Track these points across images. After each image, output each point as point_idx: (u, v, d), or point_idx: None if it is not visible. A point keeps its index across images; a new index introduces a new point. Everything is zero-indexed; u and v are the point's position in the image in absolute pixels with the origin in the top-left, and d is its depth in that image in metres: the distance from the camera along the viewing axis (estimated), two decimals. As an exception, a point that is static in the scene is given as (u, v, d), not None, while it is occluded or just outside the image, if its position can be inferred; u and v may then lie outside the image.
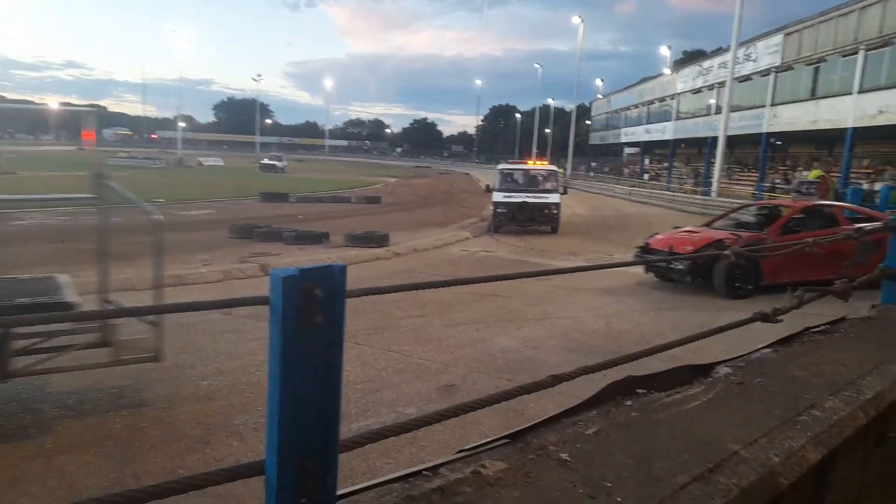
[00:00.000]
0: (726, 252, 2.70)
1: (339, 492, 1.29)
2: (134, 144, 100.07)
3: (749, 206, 11.48)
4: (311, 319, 1.14)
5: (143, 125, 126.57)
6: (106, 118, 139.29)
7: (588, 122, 69.98)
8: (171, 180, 36.83)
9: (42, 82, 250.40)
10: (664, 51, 53.34)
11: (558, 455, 1.64)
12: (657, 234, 9.99)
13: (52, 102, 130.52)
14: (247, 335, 5.98)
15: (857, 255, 8.35)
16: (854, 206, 10.69)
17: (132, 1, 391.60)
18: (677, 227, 10.15)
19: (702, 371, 2.38)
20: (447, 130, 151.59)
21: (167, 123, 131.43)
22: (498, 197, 16.92)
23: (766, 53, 31.68)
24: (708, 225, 10.11)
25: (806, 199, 10.51)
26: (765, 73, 31.84)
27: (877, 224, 9.51)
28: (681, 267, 8.53)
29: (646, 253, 9.37)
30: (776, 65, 30.77)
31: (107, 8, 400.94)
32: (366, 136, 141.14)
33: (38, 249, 11.77)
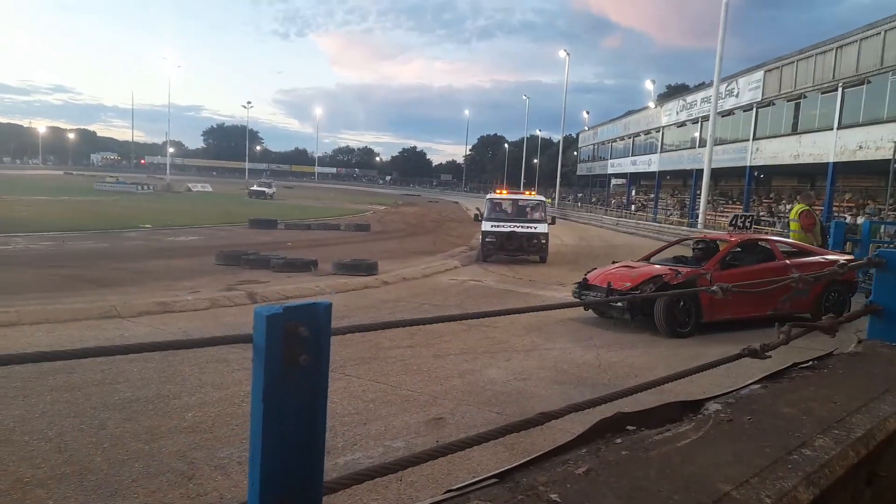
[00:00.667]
0: (714, 288, 2.70)
1: (324, 534, 1.26)
2: (122, 169, 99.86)
3: (686, 239, 11.14)
4: (295, 358, 1.12)
5: (131, 150, 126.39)
6: (94, 143, 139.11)
7: (575, 152, 70.85)
8: (158, 206, 36.67)
9: (30, 106, 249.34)
10: (648, 84, 54.43)
11: (548, 496, 1.60)
12: (595, 268, 9.71)
13: (41, 126, 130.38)
14: (232, 365, 5.89)
15: (795, 290, 8.29)
16: (788, 240, 10.56)
17: (122, 26, 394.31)
18: (615, 262, 9.76)
19: (691, 407, 2.36)
20: (436, 159, 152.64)
21: (156, 149, 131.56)
22: (487, 226, 16.99)
23: (748, 89, 32.41)
24: (647, 259, 9.80)
25: (742, 232, 10.36)
26: (747, 108, 32.54)
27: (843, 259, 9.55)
28: (619, 304, 8.23)
29: (584, 289, 9.02)
30: (758, 100, 31.48)
31: (96, 33, 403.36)
32: (355, 163, 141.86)
33: (21, 275, 11.60)
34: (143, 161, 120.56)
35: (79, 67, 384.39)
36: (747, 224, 10.76)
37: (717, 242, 9.58)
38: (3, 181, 48.95)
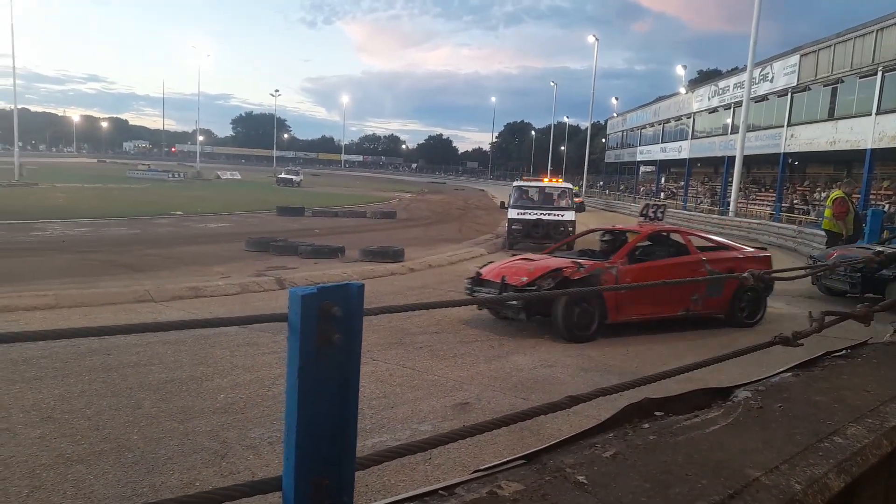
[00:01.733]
0: (746, 275, 2.64)
1: (355, 510, 1.29)
2: (153, 157, 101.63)
3: (598, 229, 9.74)
4: (328, 338, 1.15)
5: (162, 138, 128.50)
6: (127, 131, 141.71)
7: (603, 140, 69.98)
8: (189, 193, 37.28)
9: (65, 95, 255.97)
10: (679, 70, 53.42)
11: (575, 477, 1.62)
12: (492, 262, 8.67)
13: (75, 115, 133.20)
14: (262, 349, 6.01)
15: (708, 289, 7.76)
16: (704, 233, 9.62)
17: (154, 16, 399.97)
18: (514, 255, 8.79)
19: (720, 394, 2.35)
20: (462, 147, 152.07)
21: (186, 137, 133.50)
22: (513, 214, 16.93)
23: (783, 74, 31.56)
24: (551, 252, 8.84)
25: (654, 223, 9.39)
26: (782, 93, 31.70)
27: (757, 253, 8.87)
28: (514, 303, 7.01)
29: (477, 285, 7.76)
30: (793, 85, 30.62)
31: (129, 23, 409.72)
32: (381, 151, 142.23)
33: (58, 260, 11.93)
34: (173, 149, 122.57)
35: (112, 57, 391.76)
36: (658, 214, 9.72)
37: (627, 234, 8.73)
38: (40, 169, 50.22)
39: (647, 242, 8.66)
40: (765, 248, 9.35)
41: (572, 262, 7.59)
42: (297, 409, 1.12)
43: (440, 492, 1.55)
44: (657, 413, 2.18)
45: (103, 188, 37.47)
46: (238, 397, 4.77)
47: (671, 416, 2.16)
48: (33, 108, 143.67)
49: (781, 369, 2.71)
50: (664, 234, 9.09)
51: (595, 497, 1.53)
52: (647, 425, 2.07)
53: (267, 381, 5.12)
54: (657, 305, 7.63)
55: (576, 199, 34.65)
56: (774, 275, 7.86)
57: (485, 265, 8.46)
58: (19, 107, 47.40)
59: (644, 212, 9.86)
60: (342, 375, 1.16)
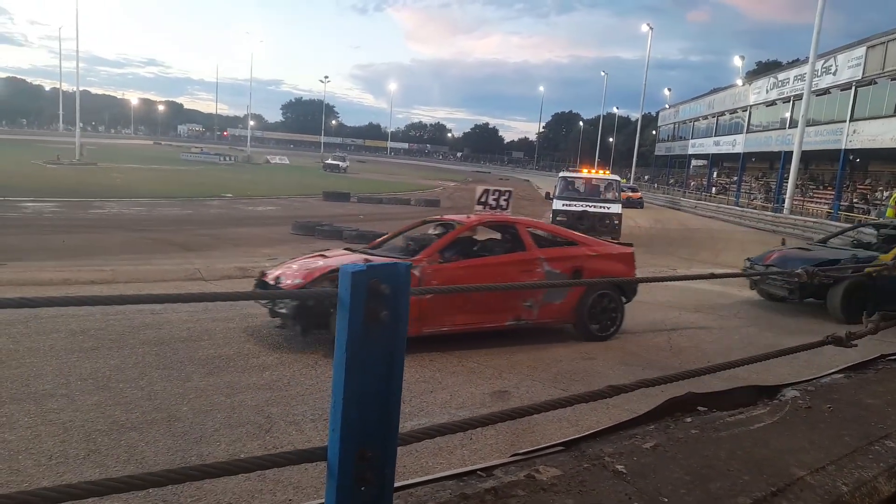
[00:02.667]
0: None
1: (396, 484, 1.33)
2: (206, 141, 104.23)
3: (429, 220, 7.87)
4: (376, 314, 1.18)
5: (215, 122, 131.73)
6: (181, 114, 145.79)
7: (654, 132, 68.43)
8: (239, 176, 38.19)
9: (124, 78, 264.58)
10: (737, 61, 51.58)
11: (614, 466, 1.62)
12: (291, 259, 7.01)
13: (133, 98, 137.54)
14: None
15: (546, 294, 6.49)
16: (550, 225, 7.84)
17: (210, 3, 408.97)
18: (316, 252, 7.07)
19: (767, 392, 2.31)
20: (508, 136, 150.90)
21: (238, 121, 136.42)
22: (558, 205, 16.79)
23: (847, 66, 30.19)
24: (378, 246, 7.34)
25: (495, 213, 7.75)
26: (845, 86, 30.35)
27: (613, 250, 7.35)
28: (284, 310, 5.61)
29: (261, 287, 6.20)
30: (857, 78, 29.27)
31: (186, 9, 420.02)
32: (427, 139, 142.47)
33: (116, 237, 12.43)
34: (225, 133, 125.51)
35: (169, 42, 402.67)
36: (502, 203, 8.12)
37: (454, 225, 7.12)
38: (99, 149, 52.20)
39: (474, 236, 7.28)
40: (630, 245, 7.75)
41: (365, 259, 5.91)
42: (345, 382, 1.16)
43: (479, 472, 1.58)
44: (700, 408, 2.16)
45: (158, 169, 38.72)
46: (283, 374, 4.90)
47: (714, 411, 2.13)
48: (94, 91, 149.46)
49: (832, 370, 2.64)
50: (499, 226, 7.53)
51: (633, 486, 1.53)
52: (689, 419, 2.04)
53: (310, 360, 5.24)
54: (477, 314, 6.25)
55: (633, 195, 34.08)
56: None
57: (283, 262, 6.98)
58: (81, 89, 49.25)
59: (482, 199, 8.31)
60: (388, 352, 1.19)
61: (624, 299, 6.99)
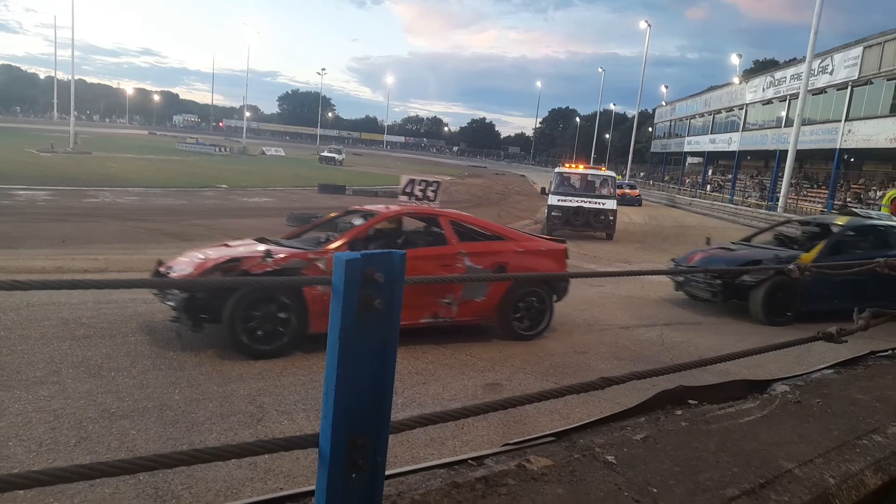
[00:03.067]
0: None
1: (387, 472, 1.33)
2: (202, 131, 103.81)
3: (356, 210, 7.22)
4: (370, 302, 1.18)
5: (210, 113, 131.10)
6: (177, 105, 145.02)
7: (650, 129, 68.51)
8: (234, 167, 38.04)
9: (119, 68, 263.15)
10: (734, 59, 51.62)
11: (604, 457, 1.63)
12: (197, 249, 6.27)
13: (128, 87, 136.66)
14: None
15: (465, 290, 6.10)
16: (477, 219, 7.25)
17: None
18: (221, 242, 6.56)
19: (757, 387, 2.32)
20: (504, 131, 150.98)
21: (234, 112, 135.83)
22: (553, 200, 16.80)
23: (844, 66, 30.28)
24: (296, 236, 6.85)
25: (420, 204, 7.10)
26: (841, 86, 30.45)
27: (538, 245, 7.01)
28: (171, 303, 5.20)
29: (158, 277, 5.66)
30: (854, 78, 29.37)
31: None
32: (423, 133, 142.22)
33: (110, 227, 12.37)
34: (221, 124, 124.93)
35: (166, 32, 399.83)
36: (430, 194, 7.51)
37: (374, 215, 6.75)
38: (94, 139, 51.88)
39: (390, 226, 6.86)
40: (562, 241, 7.28)
41: (264, 250, 5.48)
42: (337, 369, 1.16)
43: (470, 461, 1.59)
44: (691, 401, 2.18)
45: (153, 159, 38.52)
46: (275, 364, 4.91)
47: (705, 404, 2.15)
48: (89, 80, 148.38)
49: (822, 366, 2.66)
50: (421, 218, 7.01)
51: (623, 477, 1.54)
52: (679, 412, 2.06)
53: (304, 350, 5.24)
54: None
55: (631, 192, 34.01)
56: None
57: (184, 252, 6.29)
58: (76, 78, 48.89)
59: (408, 189, 7.70)
60: (382, 340, 1.20)
61: (556, 297, 6.68)
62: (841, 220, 9.24)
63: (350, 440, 1.18)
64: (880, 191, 28.59)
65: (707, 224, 26.75)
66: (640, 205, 34.61)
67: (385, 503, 1.29)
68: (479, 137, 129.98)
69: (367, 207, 7.10)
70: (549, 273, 6.62)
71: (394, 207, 6.96)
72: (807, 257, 8.14)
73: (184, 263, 5.59)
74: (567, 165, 19.75)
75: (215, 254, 5.61)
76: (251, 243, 6.02)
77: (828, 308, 7.81)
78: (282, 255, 5.41)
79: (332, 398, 1.19)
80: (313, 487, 1.24)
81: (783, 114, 36.16)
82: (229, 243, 6.17)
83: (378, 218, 6.51)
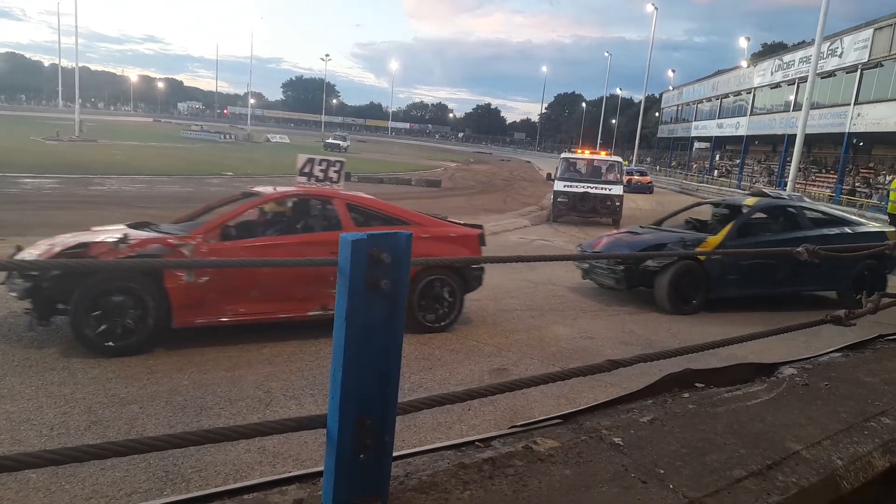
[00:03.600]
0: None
1: (395, 454, 1.34)
2: (206, 119, 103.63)
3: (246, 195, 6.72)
4: (376, 283, 1.18)
5: (215, 100, 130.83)
6: (181, 92, 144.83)
7: (657, 113, 68.01)
8: (239, 154, 38.02)
9: (123, 55, 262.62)
10: (742, 42, 51.08)
11: (611, 439, 1.63)
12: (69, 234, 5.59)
13: (133, 75, 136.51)
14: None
15: None
16: (381, 202, 6.77)
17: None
18: (90, 228, 5.80)
19: (765, 370, 2.32)
20: (510, 117, 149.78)
21: (238, 99, 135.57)
22: (559, 186, 16.72)
23: (854, 49, 29.90)
24: (191, 219, 6.39)
25: (321, 186, 6.48)
26: (851, 69, 30.08)
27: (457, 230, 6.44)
28: (14, 292, 4.78)
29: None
30: (864, 61, 29.00)
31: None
32: (428, 119, 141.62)
33: (116, 214, 12.39)
34: (225, 111, 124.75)
35: (169, 18, 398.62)
36: (332, 175, 6.54)
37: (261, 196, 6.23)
38: (99, 126, 51.89)
39: (279, 208, 6.33)
40: (479, 227, 6.67)
41: (121, 236, 5.01)
42: (344, 349, 1.16)
43: (477, 443, 1.59)
44: (698, 384, 2.17)
45: (158, 147, 38.53)
46: (283, 350, 4.93)
47: (712, 387, 2.14)
48: (93, 67, 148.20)
49: (831, 349, 2.65)
50: (315, 200, 6.35)
51: (630, 458, 1.54)
52: (686, 395, 2.06)
53: (311, 336, 5.26)
54: (269, 301, 5.30)
55: (642, 179, 33.55)
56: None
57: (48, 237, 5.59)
58: (80, 65, 48.86)
59: (306, 169, 6.56)
60: (388, 320, 1.19)
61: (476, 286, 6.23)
62: (749, 202, 8.78)
63: (357, 421, 1.18)
64: (889, 175, 28.35)
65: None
66: (651, 192, 34.11)
67: (393, 483, 1.30)
68: (485, 123, 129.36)
69: (255, 189, 6.63)
70: (427, 258, 5.97)
71: (280, 189, 6.45)
72: (713, 241, 7.69)
73: (37, 248, 5.14)
74: (580, 151, 19.62)
75: (70, 239, 5.12)
76: (119, 229, 5.43)
77: (736, 294, 7.65)
78: (136, 242, 4.94)
79: (340, 379, 1.19)
80: (322, 468, 1.24)
81: (791, 97, 35.81)
82: (94, 228, 5.66)
83: (257, 201, 5.98)
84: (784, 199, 9.26)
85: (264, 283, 5.25)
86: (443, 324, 5.96)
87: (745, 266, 7.58)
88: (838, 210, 9.88)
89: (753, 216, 8.45)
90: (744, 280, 7.66)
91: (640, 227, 9.31)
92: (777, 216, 8.77)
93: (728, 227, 7.89)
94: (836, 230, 8.37)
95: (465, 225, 6.77)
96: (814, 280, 8.05)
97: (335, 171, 6.74)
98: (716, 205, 9.63)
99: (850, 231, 8.46)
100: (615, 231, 9.31)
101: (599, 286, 8.08)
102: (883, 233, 8.84)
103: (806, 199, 10.25)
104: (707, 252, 7.43)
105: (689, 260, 7.26)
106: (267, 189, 6.49)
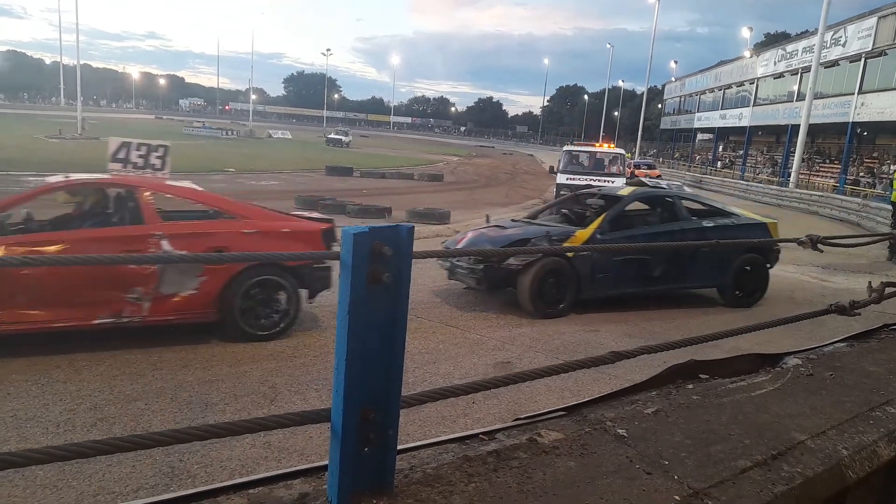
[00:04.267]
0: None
1: (399, 447, 1.34)
2: (208, 115, 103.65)
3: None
4: (378, 276, 1.18)
5: (216, 96, 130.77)
6: (183, 88, 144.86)
7: (659, 105, 67.77)
8: (241, 151, 38.02)
9: (125, 52, 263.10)
10: (745, 32, 50.81)
11: (615, 430, 1.63)
12: None
13: (134, 72, 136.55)
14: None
15: (163, 281, 4.81)
16: (203, 193, 6.12)
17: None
18: None
19: (769, 360, 2.31)
20: (512, 110, 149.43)
21: (239, 95, 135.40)
22: (562, 179, 16.72)
23: (857, 38, 29.71)
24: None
25: (143, 174, 5.83)
26: (854, 58, 29.90)
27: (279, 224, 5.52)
28: None
29: None
30: (867, 50, 28.82)
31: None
32: (430, 113, 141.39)
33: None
34: (227, 107, 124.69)
35: (171, 14, 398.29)
36: (154, 161, 5.88)
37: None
38: (101, 124, 51.93)
39: (77, 201, 5.60)
40: (329, 220, 5.68)
41: None
42: (347, 343, 1.16)
43: (481, 436, 1.59)
44: (702, 375, 2.17)
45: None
46: (287, 345, 4.94)
47: (716, 378, 2.14)
48: (95, 65, 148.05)
49: (835, 339, 2.64)
50: (114, 189, 5.59)
51: (635, 450, 1.54)
52: (691, 386, 2.06)
53: (315, 331, 5.28)
54: (49, 308, 4.58)
55: (650, 173, 33.39)
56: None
57: None
58: (81, 62, 48.86)
59: (121, 155, 5.79)
60: (391, 312, 1.19)
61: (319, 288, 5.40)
62: (624, 192, 8.21)
63: (361, 414, 1.19)
64: (894, 165, 28.24)
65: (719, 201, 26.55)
66: None
67: (397, 477, 1.30)
68: (487, 117, 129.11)
69: (48, 179, 5.92)
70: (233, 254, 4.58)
71: (73, 178, 5.76)
72: (582, 235, 6.92)
73: None
74: (595, 145, 19.60)
75: None
76: None
77: (608, 294, 6.94)
78: None
79: (343, 372, 1.19)
80: (326, 462, 1.25)
81: (795, 87, 35.64)
82: None
83: (34, 192, 5.14)
84: (663, 188, 8.66)
85: (35, 287, 4.51)
86: (273, 330, 5.17)
87: (617, 262, 6.90)
88: (718, 202, 9.30)
89: (628, 207, 7.85)
90: (617, 278, 6.95)
91: (512, 220, 8.54)
92: (655, 207, 8.23)
93: (599, 219, 7.16)
94: (715, 222, 7.78)
95: (311, 219, 5.74)
96: (693, 276, 7.47)
97: (158, 157, 6.00)
98: (591, 196, 8.67)
99: (730, 223, 7.86)
100: (482, 225, 8.51)
101: (466, 287, 7.18)
102: (764, 224, 8.20)
103: (685, 188, 9.61)
104: (574, 248, 6.53)
105: (556, 256, 6.55)
106: (56, 178, 5.77)
